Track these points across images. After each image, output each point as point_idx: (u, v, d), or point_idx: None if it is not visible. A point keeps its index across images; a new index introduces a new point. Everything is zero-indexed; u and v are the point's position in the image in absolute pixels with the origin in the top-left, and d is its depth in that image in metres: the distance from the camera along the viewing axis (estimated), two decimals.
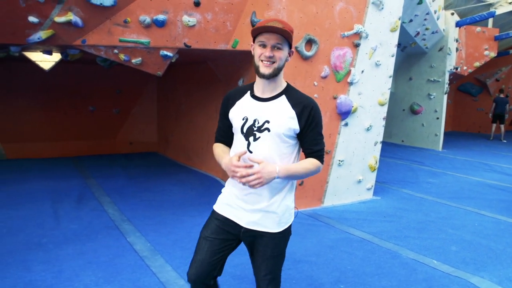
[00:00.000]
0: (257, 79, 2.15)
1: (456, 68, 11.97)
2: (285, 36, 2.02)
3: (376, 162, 6.31)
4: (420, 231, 5.00)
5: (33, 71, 8.35)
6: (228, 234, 2.22)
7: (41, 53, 6.40)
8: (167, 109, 9.05)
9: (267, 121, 2.08)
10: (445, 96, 11.67)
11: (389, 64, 6.08)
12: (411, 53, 11.84)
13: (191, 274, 2.26)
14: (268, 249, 2.19)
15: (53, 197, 5.79)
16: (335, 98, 5.58)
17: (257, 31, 2.04)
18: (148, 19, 4.80)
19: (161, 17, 4.82)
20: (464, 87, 17.14)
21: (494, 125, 14.40)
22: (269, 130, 2.07)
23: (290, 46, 2.11)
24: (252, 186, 1.95)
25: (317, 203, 5.84)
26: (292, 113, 2.08)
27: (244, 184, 1.98)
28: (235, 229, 2.20)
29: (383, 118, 6.24)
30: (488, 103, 16.38)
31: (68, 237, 4.42)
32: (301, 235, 4.72)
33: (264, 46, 2.03)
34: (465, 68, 12.97)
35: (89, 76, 9.06)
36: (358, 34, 5.57)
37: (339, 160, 5.85)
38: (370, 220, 5.33)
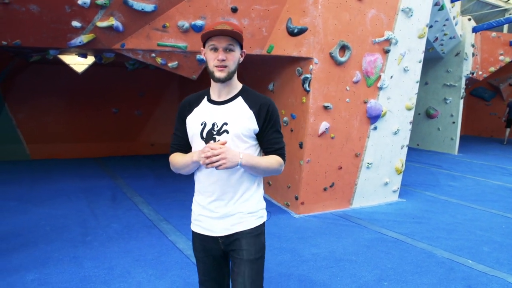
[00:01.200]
0: (212, 83, 2.12)
1: (472, 73, 12.08)
2: (235, 37, 2.00)
3: (403, 165, 6.43)
4: (450, 232, 5.11)
5: (58, 74, 8.56)
6: (213, 250, 2.18)
7: (75, 56, 6.57)
8: None
9: (225, 123, 2.07)
10: (461, 101, 11.77)
11: (416, 70, 6.21)
12: (427, 58, 11.93)
13: None
14: (243, 251, 2.10)
15: (88, 197, 5.95)
16: (365, 102, 5.71)
17: (207, 36, 2.00)
18: (186, 24, 4.95)
19: (199, 22, 4.97)
20: (477, 92, 17.22)
21: (508, 130, 14.47)
22: (228, 132, 2.06)
23: (241, 47, 2.09)
24: (217, 167, 1.90)
25: (346, 205, 5.96)
26: (250, 113, 2.08)
27: (207, 166, 1.91)
28: (215, 241, 2.16)
29: (410, 122, 6.37)
30: (501, 107, 16.45)
31: (111, 235, 4.56)
32: (336, 235, 4.84)
33: (215, 49, 2.00)
34: (480, 73, 13.08)
35: (113, 78, 9.24)
36: (388, 41, 5.70)
37: (368, 163, 5.97)
38: (400, 221, 5.44)
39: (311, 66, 5.23)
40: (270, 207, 5.81)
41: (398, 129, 6.17)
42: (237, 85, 2.15)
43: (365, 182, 6.07)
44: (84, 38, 4.94)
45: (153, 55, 5.13)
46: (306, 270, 3.87)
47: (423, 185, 7.71)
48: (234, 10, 5.04)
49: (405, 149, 6.46)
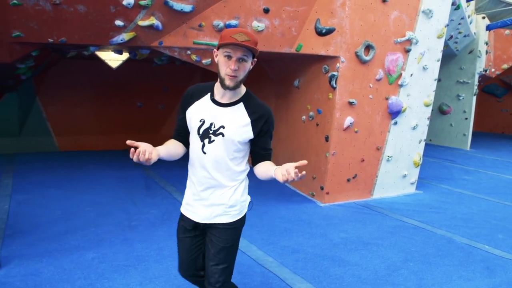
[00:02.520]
0: (218, 83, 2.19)
1: (485, 70, 12.33)
2: (251, 50, 2.05)
3: (420, 158, 6.76)
4: (466, 221, 5.45)
5: (87, 68, 8.91)
6: (194, 231, 2.36)
7: (111, 52, 6.92)
8: None
9: (223, 126, 2.16)
10: (474, 97, 12.04)
11: (435, 68, 6.52)
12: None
13: (180, 272, 2.51)
14: (221, 239, 2.28)
15: (124, 186, 6.33)
16: (387, 99, 6.03)
17: (225, 43, 2.03)
18: (221, 24, 5.28)
19: (233, 22, 5.30)
20: (488, 88, 17.44)
21: None
22: (223, 135, 2.16)
23: (254, 56, 2.13)
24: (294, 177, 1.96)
25: (367, 195, 6.31)
26: (248, 121, 2.17)
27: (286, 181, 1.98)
28: (197, 226, 2.34)
29: (428, 118, 6.68)
30: None
31: (153, 221, 4.93)
32: (361, 222, 5.19)
33: (229, 57, 2.04)
34: (493, 70, 13.33)
35: (138, 73, 9.59)
36: (409, 41, 6.01)
37: (388, 156, 6.30)
38: (419, 211, 5.79)
39: (338, 64, 5.56)
40: (296, 196, 6.17)
41: (416, 124, 6.49)
42: (241, 90, 2.21)
43: (385, 174, 6.40)
44: (125, 36, 5.29)
45: (189, 52, 5.47)
46: (338, 252, 4.23)
47: (438, 178, 8.05)
48: (266, 11, 5.37)
49: (423, 144, 6.78)
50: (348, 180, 6.03)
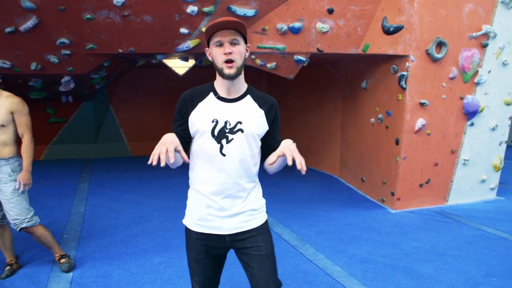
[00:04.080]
0: (219, 80, 2.06)
1: None
2: (239, 29, 1.95)
3: (501, 162, 6.26)
4: None
5: (155, 76, 9.21)
6: (216, 249, 2.14)
7: (177, 60, 7.08)
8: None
9: (239, 122, 2.02)
10: None
11: None
12: None
13: None
14: (259, 247, 2.09)
15: None
16: (462, 98, 5.65)
17: (211, 30, 1.95)
18: (285, 27, 5.20)
19: (297, 24, 5.20)
20: None
21: None
22: (242, 131, 2.01)
23: (245, 41, 2.02)
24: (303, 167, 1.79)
25: (442, 201, 5.94)
26: (261, 113, 2.07)
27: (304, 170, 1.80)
28: (221, 240, 2.10)
29: (509, 118, 6.18)
30: None
31: None
32: (435, 230, 4.88)
33: (221, 44, 1.95)
34: None
35: (202, 78, 9.73)
36: (486, 35, 5.59)
37: (464, 160, 5.90)
38: (502, 219, 5.35)
39: (407, 64, 5.29)
40: (365, 202, 5.95)
41: (496, 125, 6.02)
42: (244, 83, 2.11)
43: (461, 179, 6.00)
44: (190, 43, 5.37)
45: (253, 57, 5.45)
46: (410, 263, 3.99)
47: None
48: (331, 11, 5.22)
49: (504, 146, 6.28)
50: (421, 185, 5.71)
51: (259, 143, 2.10)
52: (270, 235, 2.17)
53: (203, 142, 2.04)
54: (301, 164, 1.77)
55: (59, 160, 8.62)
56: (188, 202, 2.20)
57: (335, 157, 7.32)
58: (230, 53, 1.93)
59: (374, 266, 3.91)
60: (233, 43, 1.94)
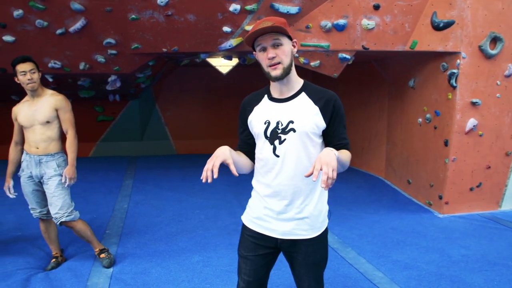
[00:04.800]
0: (272, 82, 2.05)
1: None
2: (279, 31, 1.90)
3: None
4: None
5: (200, 75, 9.29)
6: (266, 248, 2.11)
7: (221, 58, 7.10)
8: None
9: (291, 121, 1.96)
10: None
11: None
12: None
13: None
14: (309, 257, 2.06)
15: (233, 189, 6.41)
16: None
17: (251, 39, 1.94)
18: (329, 24, 5.07)
19: (341, 21, 5.06)
20: None
21: None
22: (294, 131, 1.95)
23: (290, 38, 1.97)
24: (333, 176, 1.65)
25: (495, 207, 5.62)
26: (316, 109, 1.96)
27: (327, 186, 1.64)
28: (272, 241, 2.09)
29: None
30: None
31: None
32: (487, 237, 4.61)
33: (264, 49, 1.93)
34: None
35: (248, 78, 9.74)
36: None
37: None
38: None
39: (458, 61, 5.03)
40: (411, 205, 5.71)
41: None
42: (298, 81, 2.06)
43: None
44: (233, 42, 5.35)
45: (296, 55, 5.35)
46: (457, 271, 3.78)
47: None
48: (377, 7, 5.04)
49: None
50: (471, 189, 5.42)
51: (318, 142, 2.00)
52: (323, 246, 2.12)
53: (259, 145, 2.07)
54: (325, 181, 1.63)
55: (106, 157, 8.87)
56: (249, 201, 2.22)
57: (380, 158, 7.10)
58: (274, 57, 1.91)
59: (418, 273, 3.72)
60: (276, 45, 1.92)
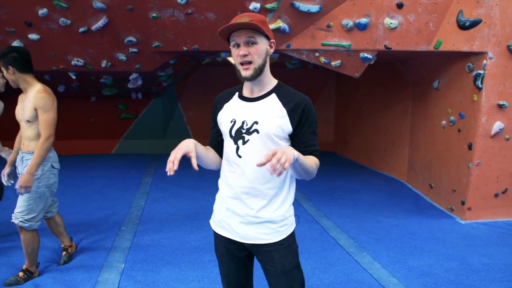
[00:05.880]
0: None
1: None
2: (254, 29, 1.79)
3: None
4: None
5: (222, 75, 9.27)
6: (237, 251, 2.03)
7: None
8: (346, 110, 9.20)
9: (256, 122, 1.88)
10: None
11: None
12: None
13: None
14: (276, 264, 1.94)
15: None
16: None
17: (225, 33, 1.85)
18: (350, 23, 4.97)
19: (363, 20, 4.95)
20: None
21: None
22: (258, 132, 1.87)
23: (268, 37, 1.87)
24: (283, 164, 1.53)
25: None
26: (283, 111, 1.87)
27: (273, 170, 1.53)
28: (239, 244, 2.00)
29: None
30: None
31: None
32: (511, 246, 4.41)
33: (237, 45, 1.83)
34: None
35: None
36: None
37: None
38: None
39: (484, 61, 4.85)
40: (432, 210, 5.54)
41: None
42: (271, 81, 1.97)
43: None
44: None
45: (317, 54, 5.27)
46: (477, 281, 3.62)
47: None
48: (400, 6, 4.91)
49: None
50: (496, 195, 5.21)
51: (283, 146, 1.89)
52: (291, 250, 1.99)
53: (225, 143, 2.00)
54: (273, 164, 1.53)
55: (129, 154, 8.97)
56: (214, 203, 2.14)
57: (402, 160, 6.92)
58: (246, 55, 1.81)
59: (435, 281, 3.58)
60: (250, 43, 1.82)
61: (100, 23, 5.37)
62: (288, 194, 1.98)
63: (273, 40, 1.91)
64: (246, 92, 1.98)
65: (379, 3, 4.92)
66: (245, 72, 1.84)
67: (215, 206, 2.12)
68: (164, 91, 8.79)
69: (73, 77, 6.28)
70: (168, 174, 1.69)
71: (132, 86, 6.64)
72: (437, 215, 5.35)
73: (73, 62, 5.88)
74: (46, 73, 6.31)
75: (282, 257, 1.95)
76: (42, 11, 5.19)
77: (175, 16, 5.32)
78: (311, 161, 1.83)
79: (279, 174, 1.54)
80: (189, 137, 9.56)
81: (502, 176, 5.18)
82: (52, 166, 3.41)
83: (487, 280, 3.64)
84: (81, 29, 5.42)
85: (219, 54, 6.36)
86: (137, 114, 9.17)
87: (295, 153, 1.65)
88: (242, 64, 1.83)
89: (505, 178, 5.20)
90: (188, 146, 1.76)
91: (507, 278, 3.68)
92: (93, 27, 5.39)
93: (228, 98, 2.04)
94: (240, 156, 1.91)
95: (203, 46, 5.61)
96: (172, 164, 1.68)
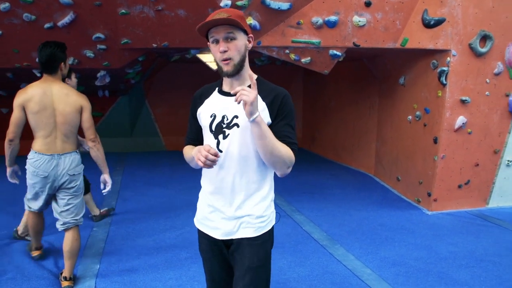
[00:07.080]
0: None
1: None
2: (233, 24, 1.82)
3: None
4: None
5: (191, 72, 9.21)
6: (221, 248, 2.04)
7: (211, 55, 7.06)
8: (314, 106, 9.33)
9: (236, 116, 1.90)
10: None
11: None
12: None
13: None
14: (245, 258, 1.95)
15: None
16: (507, 95, 5.34)
17: (203, 30, 1.86)
18: (320, 21, 5.05)
19: (332, 18, 5.04)
20: None
21: None
22: (238, 126, 1.89)
23: (246, 33, 1.89)
24: (241, 96, 1.65)
25: (482, 204, 5.65)
26: (263, 105, 1.88)
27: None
28: (219, 243, 2.02)
29: None
30: None
31: None
32: (474, 234, 4.64)
33: (217, 41, 1.85)
34: None
35: None
36: None
37: (508, 160, 5.58)
38: None
39: (448, 59, 5.05)
40: (400, 202, 5.73)
41: None
42: (251, 75, 1.92)
43: (504, 180, 5.68)
44: None
45: (287, 51, 5.33)
46: (445, 268, 3.79)
47: None
48: (368, 4, 5.03)
49: None
50: (460, 187, 5.45)
51: None
52: (264, 248, 1.99)
53: (206, 138, 2.02)
54: (239, 92, 1.67)
55: None
56: (198, 201, 2.15)
57: (370, 155, 7.11)
58: (226, 51, 1.83)
59: (406, 270, 3.73)
60: (228, 39, 1.84)
61: (67, 19, 5.24)
62: (270, 190, 2.00)
63: (251, 35, 1.93)
64: (226, 87, 2.00)
65: (348, 1, 5.02)
66: (226, 68, 1.86)
67: (198, 204, 2.13)
68: (131, 89, 8.65)
69: (38, 74, 6.09)
70: (217, 157, 1.76)
71: (99, 84, 6.51)
72: (405, 207, 5.55)
73: (38, 59, 5.71)
74: (8, 71, 6.10)
75: (252, 253, 1.95)
76: (4, 6, 5.00)
77: (145, 12, 5.25)
78: (280, 145, 1.81)
79: (239, 101, 1.66)
80: (156, 134, 9.52)
81: (465, 168, 5.41)
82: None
83: (454, 267, 3.82)
84: (47, 25, 5.27)
85: (189, 51, 6.32)
86: (103, 112, 8.98)
87: (257, 113, 1.71)
88: (223, 60, 1.86)
89: (468, 170, 5.44)
90: (202, 146, 1.82)
91: (472, 264, 3.88)
92: (59, 23, 5.25)
93: (208, 93, 2.06)
94: (221, 151, 1.91)
95: (173, 43, 5.57)
96: (209, 155, 1.74)
